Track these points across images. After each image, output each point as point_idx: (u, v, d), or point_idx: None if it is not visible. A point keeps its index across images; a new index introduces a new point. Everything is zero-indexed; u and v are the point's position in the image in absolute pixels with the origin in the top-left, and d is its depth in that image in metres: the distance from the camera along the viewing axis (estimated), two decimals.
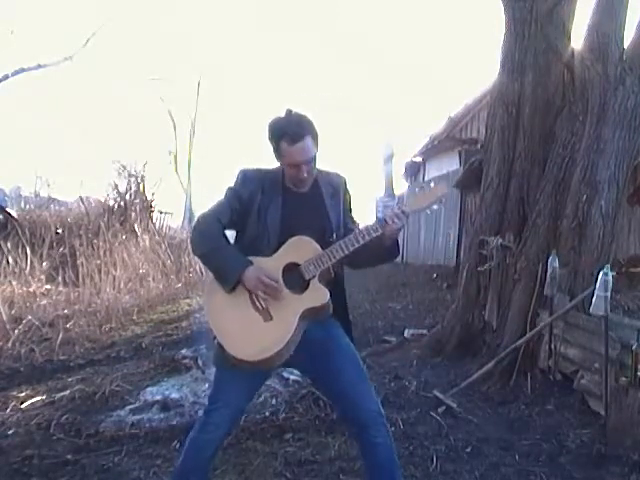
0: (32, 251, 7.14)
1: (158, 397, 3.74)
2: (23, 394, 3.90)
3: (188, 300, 7.66)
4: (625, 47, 4.35)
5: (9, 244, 7.02)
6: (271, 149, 2.03)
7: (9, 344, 5.03)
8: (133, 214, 9.14)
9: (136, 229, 8.76)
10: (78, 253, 7.25)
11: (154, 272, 7.99)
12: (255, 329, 1.92)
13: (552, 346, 4.02)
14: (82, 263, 7.00)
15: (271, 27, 42.97)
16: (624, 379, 3.09)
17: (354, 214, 2.24)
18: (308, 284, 1.95)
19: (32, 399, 3.79)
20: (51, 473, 2.80)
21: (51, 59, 14.58)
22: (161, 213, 11.11)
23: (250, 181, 2.04)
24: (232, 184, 2.07)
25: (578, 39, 4.66)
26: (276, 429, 3.27)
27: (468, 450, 3.09)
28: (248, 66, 37.46)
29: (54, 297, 6.47)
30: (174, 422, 3.39)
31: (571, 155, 4.46)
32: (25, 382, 4.21)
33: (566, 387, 3.81)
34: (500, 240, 4.67)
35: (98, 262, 7.10)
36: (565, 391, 3.80)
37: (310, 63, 45.53)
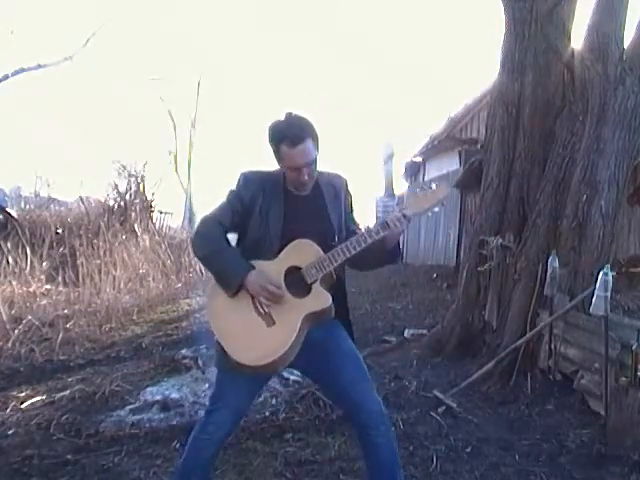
0: (32, 251, 7.15)
1: (158, 397, 3.74)
2: (23, 394, 3.90)
3: (188, 300, 7.66)
4: (625, 47, 4.35)
5: (9, 244, 7.02)
6: (271, 152, 2.03)
7: (9, 344, 5.03)
8: (133, 214, 9.14)
9: (136, 229, 8.76)
10: (78, 253, 7.26)
11: (154, 272, 7.99)
12: (258, 334, 1.92)
13: (552, 346, 4.02)
14: (82, 263, 7.00)
15: (271, 27, 42.95)
16: (624, 379, 3.09)
17: (355, 214, 2.24)
18: (310, 288, 1.94)
19: (32, 399, 3.80)
20: (51, 473, 2.80)
21: (51, 59, 14.60)
22: (161, 213, 11.12)
23: (251, 183, 2.04)
24: (233, 187, 2.06)
25: (578, 39, 4.66)
26: (276, 429, 3.27)
27: (468, 450, 3.09)
28: (248, 66, 37.36)
29: (54, 297, 6.47)
30: (174, 422, 3.39)
31: (571, 155, 4.46)
32: (25, 382, 4.21)
33: (566, 387, 3.81)
34: (500, 240, 4.67)
35: (98, 262, 7.10)
36: (565, 391, 3.80)
37: (310, 63, 45.51)
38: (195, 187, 24.44)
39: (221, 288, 1.98)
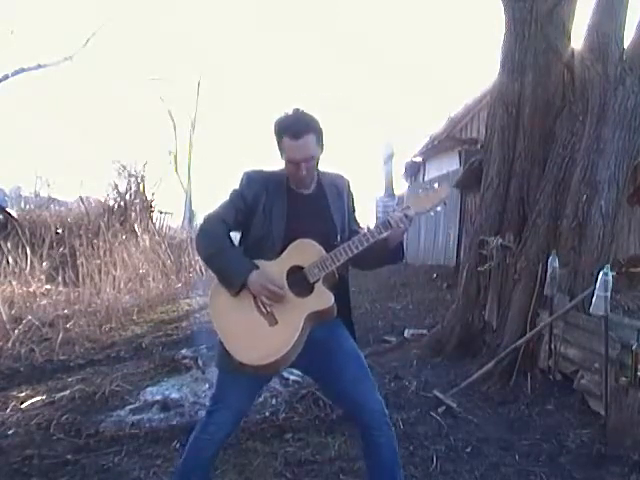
0: (32, 251, 7.14)
1: (158, 397, 3.74)
2: (23, 394, 3.90)
3: (188, 300, 7.66)
4: (625, 47, 4.35)
5: (9, 244, 7.02)
6: (276, 145, 2.04)
7: (9, 344, 5.02)
8: (133, 214, 9.14)
9: (136, 229, 8.76)
10: (78, 253, 7.25)
11: (154, 272, 7.99)
12: (260, 333, 1.92)
13: (552, 346, 4.02)
14: (82, 263, 6.99)
15: (271, 27, 43.01)
16: (624, 379, 3.09)
17: (356, 215, 2.25)
18: (313, 287, 1.95)
19: (32, 399, 3.79)
20: (51, 473, 2.80)
21: (51, 59, 14.61)
22: (161, 213, 11.12)
23: (254, 182, 2.04)
24: (236, 186, 2.07)
25: (578, 39, 4.66)
26: (276, 429, 3.27)
27: (468, 450, 3.09)
28: (248, 66, 37.54)
29: (54, 297, 6.47)
30: (174, 422, 3.40)
31: (571, 155, 4.46)
32: (25, 382, 4.21)
33: (566, 387, 3.81)
34: (500, 240, 4.67)
35: (98, 262, 7.10)
36: (565, 391, 3.80)
37: (310, 63, 45.56)
38: (195, 187, 24.50)
39: (224, 287, 1.98)
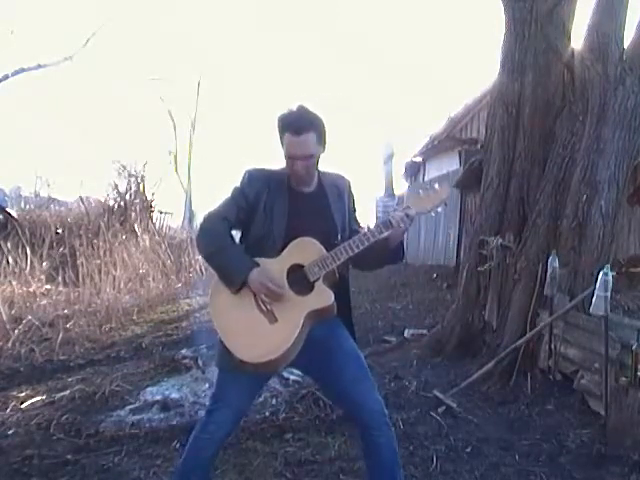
0: (32, 251, 7.14)
1: (158, 397, 3.74)
2: (23, 394, 3.90)
3: (188, 300, 7.66)
4: (625, 47, 4.35)
5: (9, 244, 7.01)
6: (278, 141, 2.04)
7: (9, 344, 5.02)
8: (133, 214, 9.14)
9: (136, 229, 8.76)
10: (78, 253, 7.25)
11: (154, 272, 7.98)
12: (260, 331, 1.92)
13: (552, 346, 4.02)
14: (82, 263, 6.99)
15: (271, 27, 43.01)
16: (624, 379, 3.09)
17: (357, 215, 2.25)
18: (313, 286, 1.95)
19: (32, 399, 3.79)
20: (51, 473, 2.80)
21: (51, 59, 14.62)
22: (161, 213, 11.12)
23: (256, 181, 2.04)
24: (238, 184, 2.07)
25: (578, 39, 4.66)
26: (276, 429, 3.27)
27: (468, 450, 3.09)
28: (248, 66, 37.53)
29: (54, 297, 6.47)
30: (174, 422, 3.39)
31: (571, 155, 4.46)
32: (25, 382, 4.21)
33: (566, 387, 3.81)
34: (500, 240, 4.67)
35: (98, 262, 7.10)
36: (565, 391, 3.80)
37: (310, 63, 45.56)
38: (195, 187, 24.50)
39: (224, 285, 1.98)
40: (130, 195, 9.46)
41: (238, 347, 1.92)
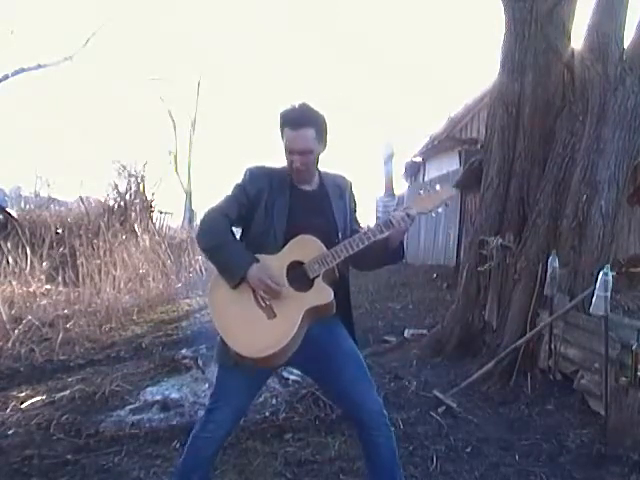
0: (32, 251, 7.13)
1: (158, 397, 3.74)
2: (23, 394, 3.90)
3: (188, 300, 7.65)
4: (625, 47, 4.35)
5: (9, 244, 7.00)
6: (280, 136, 2.05)
7: (9, 344, 5.02)
8: (133, 214, 9.13)
9: (136, 229, 8.75)
10: (78, 253, 7.24)
11: (154, 272, 7.98)
12: (258, 326, 1.92)
13: (552, 346, 4.02)
14: (82, 263, 6.98)
15: (271, 27, 43.03)
16: (624, 379, 3.09)
17: (357, 216, 2.25)
18: (312, 283, 1.95)
19: (32, 399, 3.79)
20: (51, 473, 2.79)
21: (51, 59, 14.61)
22: (161, 213, 11.12)
23: (257, 178, 2.05)
24: (239, 181, 2.08)
25: (578, 39, 4.66)
26: (276, 429, 3.27)
27: (468, 450, 3.09)
28: (248, 66, 37.47)
29: (54, 297, 6.46)
30: (174, 422, 3.39)
31: (571, 155, 4.46)
32: (25, 382, 4.20)
33: (566, 387, 3.81)
34: (500, 240, 4.67)
35: (98, 262, 7.09)
36: (565, 391, 3.80)
37: (310, 63, 45.57)
38: (195, 187, 24.50)
39: (223, 279, 1.98)
40: (130, 195, 9.45)
41: (237, 342, 1.93)
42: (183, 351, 4.73)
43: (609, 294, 3.19)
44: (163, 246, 8.78)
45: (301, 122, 1.98)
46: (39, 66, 14.15)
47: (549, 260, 4.04)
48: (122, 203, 9.28)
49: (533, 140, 4.70)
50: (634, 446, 2.98)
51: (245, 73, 42.03)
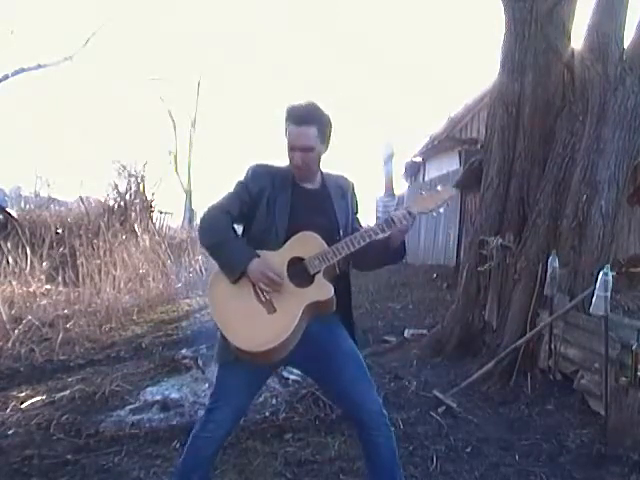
0: (32, 251, 7.13)
1: (158, 397, 3.74)
2: (23, 394, 3.90)
3: (188, 300, 7.65)
4: (625, 47, 4.35)
5: (9, 244, 7.00)
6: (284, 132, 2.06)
7: (9, 344, 5.02)
8: (133, 214, 9.12)
9: (136, 229, 8.74)
10: (78, 253, 7.24)
11: (154, 272, 7.97)
12: (258, 321, 1.93)
13: (552, 346, 4.02)
14: (82, 263, 6.98)
15: (271, 27, 43.03)
16: (624, 379, 3.09)
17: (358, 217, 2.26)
18: (313, 279, 1.96)
19: (32, 399, 3.79)
20: (51, 473, 2.79)
21: (51, 59, 14.60)
22: (161, 213, 11.12)
23: (260, 176, 2.06)
24: (241, 178, 2.08)
25: (578, 39, 4.66)
26: (276, 429, 3.27)
27: (468, 450, 3.09)
28: (248, 66, 37.43)
29: (54, 297, 6.46)
30: (174, 422, 3.39)
31: (571, 155, 4.46)
32: (25, 382, 4.20)
33: (566, 387, 3.81)
34: (500, 240, 4.67)
35: (98, 262, 7.09)
36: (565, 391, 3.80)
37: (310, 63, 45.58)
38: (195, 187, 24.50)
39: (224, 274, 1.99)
40: (130, 195, 9.44)
41: (237, 336, 1.93)
42: (183, 351, 4.73)
43: (609, 294, 3.19)
44: (163, 246, 8.77)
45: (305, 119, 1.99)
46: (39, 66, 14.15)
47: (549, 260, 4.04)
48: (122, 203, 9.28)
49: (533, 140, 4.70)
50: (634, 446, 2.98)
51: (245, 73, 42.03)
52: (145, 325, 6.29)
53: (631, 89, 4.19)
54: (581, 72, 4.50)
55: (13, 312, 5.71)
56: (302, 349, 1.96)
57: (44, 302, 6.20)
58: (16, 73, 13.65)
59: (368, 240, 1.97)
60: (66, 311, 6.07)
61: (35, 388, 4.06)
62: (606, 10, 4.35)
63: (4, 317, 5.38)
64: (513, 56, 4.82)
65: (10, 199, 12.36)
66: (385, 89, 39.13)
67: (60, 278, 6.91)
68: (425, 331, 5.68)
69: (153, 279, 7.83)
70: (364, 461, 2.15)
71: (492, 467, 2.91)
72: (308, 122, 1.99)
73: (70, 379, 4.24)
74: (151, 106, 33.77)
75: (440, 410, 3.62)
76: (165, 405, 3.61)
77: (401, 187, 16.53)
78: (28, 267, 6.77)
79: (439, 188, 2.09)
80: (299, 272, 1.96)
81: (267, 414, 3.47)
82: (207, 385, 3.84)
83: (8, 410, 3.61)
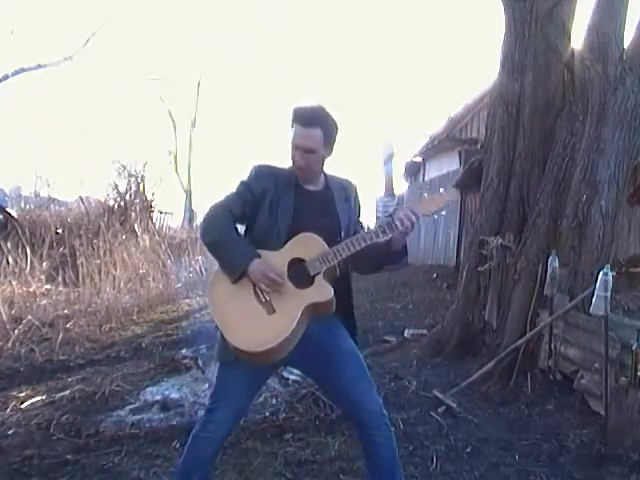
0: (32, 251, 7.13)
1: (158, 397, 3.74)
2: (23, 394, 3.90)
3: (188, 300, 7.65)
4: (625, 47, 4.35)
5: (9, 244, 7.00)
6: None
7: (9, 344, 5.02)
8: (133, 214, 9.13)
9: (136, 229, 8.75)
10: (78, 253, 7.24)
11: (154, 272, 7.97)
12: (258, 321, 1.93)
13: (552, 346, 4.02)
14: (82, 263, 6.98)
15: (271, 27, 43.03)
16: (624, 379, 3.09)
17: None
18: (313, 280, 1.96)
19: (32, 399, 3.79)
20: (51, 473, 2.79)
21: (51, 59, 14.61)
22: (161, 213, 11.13)
23: (263, 177, 2.06)
24: (245, 178, 2.08)
25: (578, 39, 4.66)
26: (276, 429, 3.27)
27: (468, 450, 3.09)
28: (248, 66, 37.44)
29: (54, 297, 6.46)
30: (174, 422, 3.39)
31: (571, 155, 4.46)
32: (25, 382, 4.20)
33: (566, 387, 3.81)
34: (500, 240, 4.67)
35: (98, 262, 7.09)
36: (565, 391, 3.80)
37: (310, 63, 45.58)
38: (195, 187, 24.52)
39: (224, 273, 1.99)
40: (130, 195, 9.45)
41: (236, 336, 1.93)
42: (183, 351, 4.73)
43: (609, 294, 3.19)
44: (163, 246, 8.77)
45: (311, 121, 2.00)
46: (39, 66, 14.16)
47: (549, 260, 4.04)
48: (122, 203, 9.28)
49: (533, 140, 4.70)
50: (634, 446, 2.98)
51: (245, 73, 42.04)
52: (145, 325, 6.29)
53: (631, 89, 4.19)
54: (581, 72, 4.50)
55: (13, 312, 5.71)
56: (302, 349, 1.96)
57: (44, 302, 6.20)
58: (16, 73, 13.66)
59: (369, 242, 1.97)
60: (66, 311, 6.07)
61: (35, 388, 4.06)
62: (606, 10, 4.35)
63: (4, 317, 5.38)
64: (513, 56, 4.82)
65: (10, 199, 12.36)
66: (385, 89, 39.22)
67: (60, 278, 6.91)
68: (425, 331, 5.68)
69: (153, 279, 7.83)
70: (364, 461, 2.15)
71: (492, 467, 2.91)
72: (314, 124, 1.99)
73: (70, 379, 4.24)
74: (151, 106, 33.82)
75: (440, 410, 3.62)
76: (165, 405, 3.61)
77: (401, 187, 16.53)
78: (28, 267, 6.77)
79: (441, 191, 2.09)
80: (299, 273, 1.96)
81: (267, 414, 3.47)
82: (207, 385, 3.84)
83: (8, 410, 3.61)
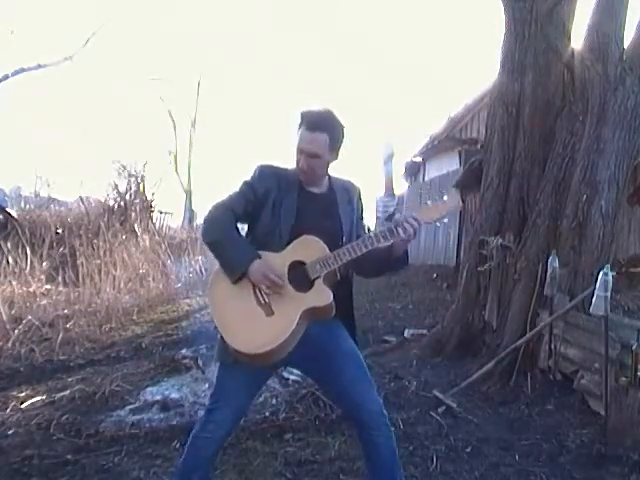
0: (32, 251, 7.12)
1: (158, 397, 3.74)
2: (23, 394, 3.90)
3: (188, 300, 7.65)
4: (625, 47, 4.35)
5: (9, 244, 7.00)
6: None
7: (9, 344, 5.01)
8: (133, 214, 9.13)
9: (136, 229, 8.74)
10: (78, 253, 7.23)
11: (154, 272, 7.97)
12: (257, 323, 1.93)
13: (552, 346, 4.02)
14: (82, 263, 6.98)
15: (271, 27, 43.04)
16: (624, 379, 3.09)
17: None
18: (312, 284, 1.95)
19: (32, 399, 3.79)
20: (51, 473, 2.79)
21: (51, 59, 14.62)
22: (161, 213, 11.13)
23: (267, 177, 2.05)
24: (248, 178, 2.08)
25: (578, 39, 4.66)
26: (276, 429, 3.27)
27: (468, 450, 3.09)
28: (248, 66, 37.44)
29: (54, 297, 6.46)
30: (174, 422, 3.39)
31: (571, 155, 4.46)
32: (25, 382, 4.20)
33: (566, 387, 3.81)
34: (500, 240, 4.67)
35: (98, 262, 7.08)
36: (565, 391, 3.80)
37: (310, 63, 45.59)
38: (195, 187, 24.52)
39: (225, 274, 1.99)
40: (130, 195, 9.45)
41: (235, 338, 1.93)
42: (183, 351, 4.73)
43: (609, 294, 3.19)
44: (163, 246, 8.77)
45: (317, 125, 1.99)
46: (39, 66, 14.16)
47: (549, 260, 4.04)
48: (122, 203, 9.28)
49: (533, 140, 4.70)
50: (634, 446, 2.98)
51: (245, 73, 42.04)
52: (145, 325, 6.28)
53: (631, 89, 4.19)
54: (581, 72, 4.50)
55: (13, 312, 5.70)
56: (302, 350, 1.96)
57: (44, 302, 6.19)
58: (16, 73, 13.66)
59: (370, 247, 1.96)
60: (66, 311, 6.06)
61: (35, 388, 4.06)
62: (606, 10, 4.35)
63: (4, 317, 5.38)
64: (513, 56, 4.82)
65: (10, 199, 12.36)
66: (385, 89, 39.22)
67: (60, 278, 6.90)
68: (425, 331, 5.68)
69: (153, 279, 7.83)
70: (364, 461, 2.15)
71: (492, 467, 2.91)
72: (321, 129, 1.98)
73: (70, 379, 4.24)
74: (151, 106, 33.75)
75: (440, 410, 3.62)
76: (165, 405, 3.61)
77: (401, 187, 16.51)
78: (28, 267, 6.77)
79: (445, 198, 2.08)
80: (299, 276, 1.95)
81: (267, 414, 3.47)
82: (207, 385, 3.84)
83: (8, 410, 3.61)
